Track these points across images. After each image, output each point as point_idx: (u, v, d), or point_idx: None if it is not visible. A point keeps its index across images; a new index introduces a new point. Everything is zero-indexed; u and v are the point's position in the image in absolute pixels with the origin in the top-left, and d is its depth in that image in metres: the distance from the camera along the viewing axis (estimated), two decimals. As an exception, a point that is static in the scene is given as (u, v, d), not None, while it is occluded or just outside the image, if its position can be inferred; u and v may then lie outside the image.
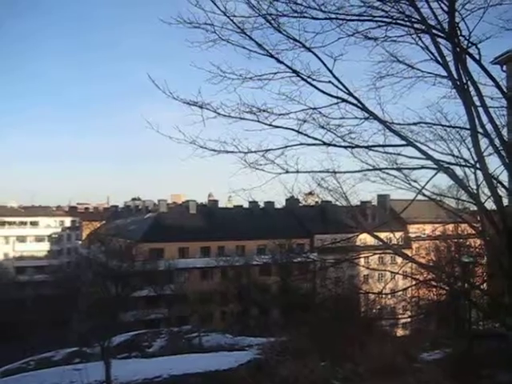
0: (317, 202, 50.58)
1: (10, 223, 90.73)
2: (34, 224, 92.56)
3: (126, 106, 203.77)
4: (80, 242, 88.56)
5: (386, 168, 10.39)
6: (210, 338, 32.63)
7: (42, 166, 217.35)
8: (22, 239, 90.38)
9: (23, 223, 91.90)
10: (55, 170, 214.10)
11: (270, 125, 8.99)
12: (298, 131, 9.03)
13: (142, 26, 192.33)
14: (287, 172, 9.29)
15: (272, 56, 8.64)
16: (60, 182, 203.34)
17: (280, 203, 57.16)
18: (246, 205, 68.62)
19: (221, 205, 79.28)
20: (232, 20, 8.34)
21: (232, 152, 8.91)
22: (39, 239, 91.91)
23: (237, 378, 19.22)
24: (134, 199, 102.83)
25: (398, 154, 9.91)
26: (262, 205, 66.82)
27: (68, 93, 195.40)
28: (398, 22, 8.73)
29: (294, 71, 8.73)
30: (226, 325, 49.18)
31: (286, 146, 9.02)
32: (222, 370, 20.79)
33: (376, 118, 9.22)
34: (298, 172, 9.41)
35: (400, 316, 37.51)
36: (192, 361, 23.11)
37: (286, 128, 9.06)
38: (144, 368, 21.34)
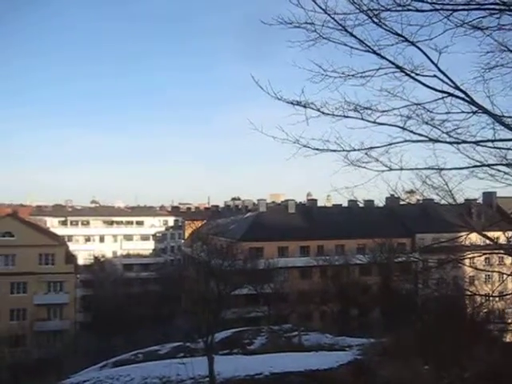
0: (418, 200, 49.15)
1: (117, 223, 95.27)
2: (139, 223, 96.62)
3: (225, 108, 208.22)
4: (183, 241, 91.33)
5: (496, 164, 9.85)
6: (310, 337, 32.52)
7: (145, 167, 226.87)
8: (128, 238, 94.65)
9: (129, 223, 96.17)
10: (158, 171, 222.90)
11: (374, 122, 8.83)
12: (402, 128, 8.80)
13: (241, 29, 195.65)
14: (390, 169, 9.09)
15: (374, 52, 8.48)
16: (163, 182, 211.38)
17: (381, 201, 56.04)
18: (344, 203, 67.85)
19: (319, 204, 78.99)
20: (333, 17, 8.27)
21: (335, 150, 8.85)
22: (144, 238, 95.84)
23: (337, 378, 19.01)
24: (233, 199, 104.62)
25: (509, 149, 9.40)
26: (361, 203, 65.84)
27: (172, 96, 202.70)
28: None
29: (397, 66, 8.51)
30: (326, 324, 48.92)
31: (390, 144, 8.82)
32: (322, 369, 20.65)
33: (485, 111, 8.78)
34: (401, 169, 9.18)
35: (510, 321, 35.61)
36: (292, 359, 23.11)
37: (391, 125, 8.85)
38: (245, 365, 21.58)
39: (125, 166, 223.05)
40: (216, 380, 18.52)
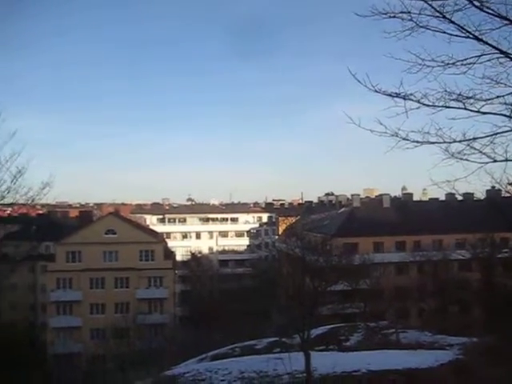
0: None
1: (213, 219, 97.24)
2: (234, 220, 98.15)
3: (317, 105, 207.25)
4: (276, 237, 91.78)
5: None
6: (408, 335, 31.72)
7: (239, 165, 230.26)
8: (224, 234, 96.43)
9: (224, 219, 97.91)
10: (252, 168, 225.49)
11: (477, 111, 8.42)
12: (509, 116, 8.34)
13: (329, 23, 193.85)
14: (495, 161, 8.64)
15: (475, 37, 8.08)
16: (256, 179, 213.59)
17: (482, 194, 53.72)
18: (441, 197, 65.54)
19: (415, 198, 76.87)
20: (430, 4, 7.97)
21: (435, 143, 8.54)
22: (239, 234, 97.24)
23: (437, 378, 18.43)
24: (327, 194, 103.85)
25: None
26: (460, 197, 63.38)
27: (263, 94, 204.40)
28: None
29: (501, 51, 8.06)
30: (424, 322, 47.54)
31: (495, 134, 8.36)
32: (421, 368, 20.07)
33: None
34: (506, 161, 8.72)
35: None
36: (390, 357, 22.63)
37: (496, 114, 8.40)
38: (342, 361, 21.36)
39: (219, 164, 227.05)
40: (313, 376, 18.48)
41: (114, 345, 49.22)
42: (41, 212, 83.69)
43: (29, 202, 20.87)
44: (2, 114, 19.62)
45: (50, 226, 68.50)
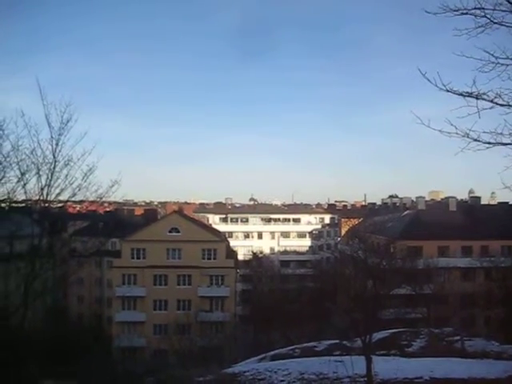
0: None
1: (275, 220, 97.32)
2: (296, 221, 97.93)
3: (378, 105, 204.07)
4: (339, 239, 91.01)
5: None
6: (473, 343, 30.69)
7: (301, 166, 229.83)
8: (285, 235, 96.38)
9: (286, 220, 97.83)
10: (314, 169, 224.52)
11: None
12: None
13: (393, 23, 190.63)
14: None
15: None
16: (319, 180, 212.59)
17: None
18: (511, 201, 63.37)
19: (483, 202, 74.51)
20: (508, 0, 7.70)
21: (509, 144, 8.20)
22: (301, 235, 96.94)
23: (506, 389, 17.79)
24: (391, 196, 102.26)
25: None
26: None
27: (327, 94, 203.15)
28: None
29: None
30: (491, 330, 45.91)
31: None
32: (488, 378, 19.41)
33: None
34: None
35: None
36: (454, 365, 22.00)
37: None
38: (404, 367, 20.97)
39: (282, 165, 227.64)
40: (374, 380, 18.21)
41: (175, 340, 50.09)
42: (108, 209, 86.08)
43: (98, 199, 21.47)
44: (75, 114, 20.26)
45: (116, 223, 70.33)
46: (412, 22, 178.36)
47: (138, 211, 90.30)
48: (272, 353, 31.45)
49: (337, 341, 31.97)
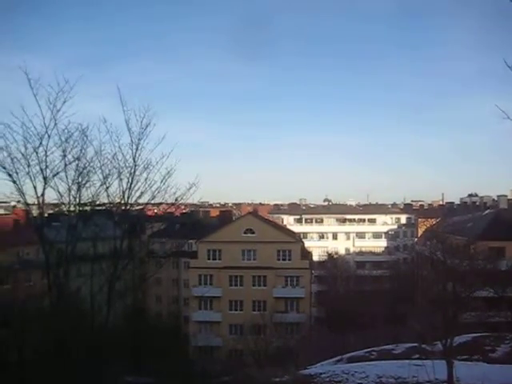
0: None
1: (350, 220, 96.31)
2: (371, 221, 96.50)
3: (450, 103, 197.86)
4: (416, 239, 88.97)
5: None
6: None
7: (377, 166, 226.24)
8: (360, 235, 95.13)
9: (362, 220, 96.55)
10: (390, 168, 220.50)
11: None
12: None
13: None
14: None
15: None
16: (394, 180, 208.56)
17: None
18: None
19: None
20: None
21: None
22: (376, 236, 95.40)
23: None
24: (470, 195, 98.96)
25: None
26: None
27: (407, 90, 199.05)
28: None
29: None
30: None
31: None
32: None
33: None
34: None
35: None
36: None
37: None
38: (487, 373, 20.17)
39: (355, 164, 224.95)
40: (455, 386, 17.69)
41: (251, 341, 50.51)
42: (184, 211, 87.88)
43: (176, 201, 22.09)
44: (153, 119, 20.97)
45: (192, 225, 71.79)
46: (497, 11, 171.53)
47: (214, 213, 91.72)
48: (348, 355, 31.14)
49: (415, 344, 31.25)
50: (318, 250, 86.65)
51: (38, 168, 20.18)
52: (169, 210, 28.91)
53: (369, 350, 32.29)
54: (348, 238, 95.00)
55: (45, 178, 20.27)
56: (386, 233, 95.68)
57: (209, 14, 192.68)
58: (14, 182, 20.16)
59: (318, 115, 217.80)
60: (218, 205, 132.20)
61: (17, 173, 20.04)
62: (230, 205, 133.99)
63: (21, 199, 21.23)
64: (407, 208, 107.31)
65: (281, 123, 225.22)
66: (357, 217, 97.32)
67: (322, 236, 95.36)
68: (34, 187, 20.37)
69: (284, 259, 60.83)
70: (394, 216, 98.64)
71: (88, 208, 22.95)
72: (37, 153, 20.14)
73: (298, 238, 70.12)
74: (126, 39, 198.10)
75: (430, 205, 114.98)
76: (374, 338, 39.01)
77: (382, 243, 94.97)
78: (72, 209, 22.15)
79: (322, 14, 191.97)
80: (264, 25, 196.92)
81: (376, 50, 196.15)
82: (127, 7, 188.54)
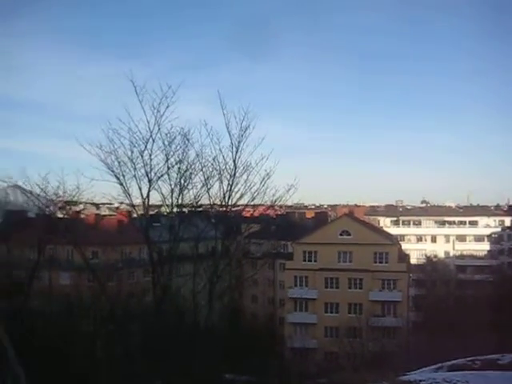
0: None
1: (449, 222, 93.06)
2: (472, 223, 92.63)
3: None
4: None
5: None
6: None
7: (475, 167, 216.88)
8: (461, 238, 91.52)
9: (462, 222, 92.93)
10: (492, 168, 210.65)
11: None
12: None
13: None
14: None
15: None
16: (497, 181, 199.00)
17: None
18: None
19: None
20: None
21: None
22: (478, 239, 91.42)
23: None
24: None
25: None
26: None
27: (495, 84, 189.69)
28: None
29: None
30: None
31: None
32: None
33: None
34: None
35: None
36: None
37: None
38: None
39: (454, 164, 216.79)
40: None
41: (346, 343, 50.09)
42: (280, 212, 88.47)
43: (275, 203, 22.42)
44: (252, 121, 21.43)
45: (288, 226, 72.17)
46: None
47: (309, 214, 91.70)
48: (449, 363, 30.03)
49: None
50: (415, 252, 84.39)
51: (143, 171, 21.22)
52: (264, 212, 29.35)
53: (472, 358, 31.00)
54: (447, 241, 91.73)
55: (150, 181, 21.26)
56: (489, 236, 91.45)
57: (304, 13, 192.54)
58: (121, 184, 21.27)
59: (414, 113, 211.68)
60: (313, 206, 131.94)
61: (123, 175, 21.15)
62: (325, 206, 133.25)
63: (127, 201, 22.37)
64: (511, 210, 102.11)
65: (376, 124, 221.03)
66: (457, 219, 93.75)
67: (419, 238, 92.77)
68: (140, 189, 21.39)
69: (381, 262, 59.81)
70: (498, 218, 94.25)
71: (187, 209, 23.71)
72: (142, 156, 21.18)
73: (394, 241, 68.73)
74: (223, 44, 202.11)
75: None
76: (476, 345, 37.42)
77: (485, 247, 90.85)
78: (172, 210, 22.99)
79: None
80: (367, 30, 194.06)
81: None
82: (224, 13, 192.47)
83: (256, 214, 38.40)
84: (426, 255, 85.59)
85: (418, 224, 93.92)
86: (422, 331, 56.95)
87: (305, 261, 60.79)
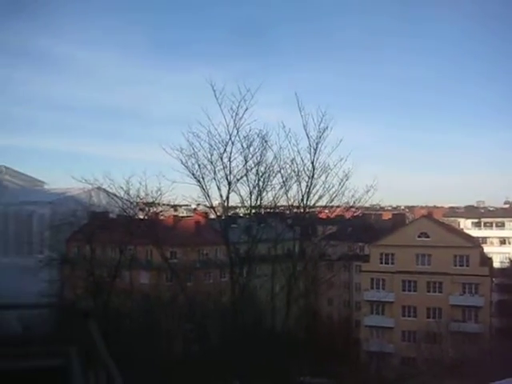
0: None
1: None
2: None
3: None
4: None
5: None
6: None
7: None
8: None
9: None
10: None
11: None
12: None
13: None
14: None
15: None
16: None
17: None
18: None
19: None
20: None
21: None
22: None
23: None
24: None
25: None
26: None
27: None
28: None
29: None
30: None
31: None
32: None
33: None
34: None
35: None
36: None
37: None
38: None
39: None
40: None
41: (425, 349, 48.87)
42: (356, 214, 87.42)
43: (354, 204, 22.30)
44: (330, 122, 21.39)
45: (363, 228, 71.17)
46: None
47: (386, 216, 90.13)
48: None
49: None
50: (498, 256, 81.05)
51: (222, 173, 21.63)
52: (339, 213, 29.13)
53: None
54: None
55: (229, 183, 21.61)
56: None
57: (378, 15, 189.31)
58: (201, 186, 21.75)
59: (492, 109, 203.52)
60: (389, 207, 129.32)
61: (203, 178, 21.63)
62: (402, 208, 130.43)
63: (206, 203, 22.87)
64: None
65: (458, 126, 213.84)
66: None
67: (503, 241, 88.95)
68: (219, 191, 21.79)
69: (461, 265, 58.01)
70: None
71: (264, 211, 23.92)
72: (221, 159, 21.60)
73: (476, 243, 66.45)
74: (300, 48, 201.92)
75: None
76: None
77: None
78: (249, 211, 23.25)
79: None
80: (436, 31, 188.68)
81: None
82: (300, 16, 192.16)
83: (332, 215, 38.22)
84: (509, 259, 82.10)
85: (501, 226, 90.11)
86: (506, 338, 54.75)
87: (382, 263, 59.92)
